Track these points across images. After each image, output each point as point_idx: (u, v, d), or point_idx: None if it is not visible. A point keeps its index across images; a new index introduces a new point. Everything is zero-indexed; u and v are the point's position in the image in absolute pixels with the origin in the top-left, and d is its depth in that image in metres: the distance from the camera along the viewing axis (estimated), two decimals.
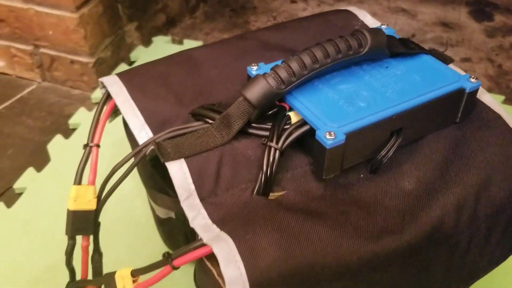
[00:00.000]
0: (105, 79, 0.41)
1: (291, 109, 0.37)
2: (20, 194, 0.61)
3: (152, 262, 0.53)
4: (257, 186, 0.34)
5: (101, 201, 0.39)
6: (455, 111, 0.38)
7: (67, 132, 0.69)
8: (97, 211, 0.40)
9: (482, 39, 0.94)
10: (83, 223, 0.39)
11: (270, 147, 0.34)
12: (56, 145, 0.67)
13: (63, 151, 0.66)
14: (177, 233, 0.49)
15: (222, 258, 0.29)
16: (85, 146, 0.39)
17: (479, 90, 0.41)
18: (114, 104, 0.41)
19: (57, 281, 0.44)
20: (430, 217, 0.33)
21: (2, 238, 0.56)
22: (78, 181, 0.39)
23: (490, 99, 0.41)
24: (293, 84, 0.35)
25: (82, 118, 0.71)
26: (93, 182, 0.39)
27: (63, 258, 0.43)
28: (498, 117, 0.39)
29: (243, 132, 0.36)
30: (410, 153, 0.37)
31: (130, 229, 0.57)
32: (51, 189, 0.61)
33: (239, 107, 0.35)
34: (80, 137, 0.68)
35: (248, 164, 0.35)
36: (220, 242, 0.29)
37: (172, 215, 0.48)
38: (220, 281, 0.31)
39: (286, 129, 0.35)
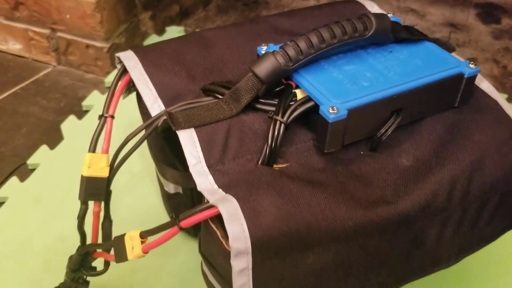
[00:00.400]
0: (121, 54, 0.43)
1: (297, 87, 0.38)
2: (33, 170, 0.64)
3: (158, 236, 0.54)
4: (262, 157, 0.36)
5: (113, 170, 0.41)
6: (454, 95, 0.40)
7: (80, 114, 0.72)
8: (109, 179, 0.41)
9: (488, 40, 0.95)
10: (96, 189, 0.41)
11: (276, 120, 0.36)
12: (70, 125, 0.69)
13: (76, 131, 0.68)
14: (183, 208, 0.51)
15: (226, 216, 0.30)
16: (100, 116, 0.42)
17: (478, 78, 0.43)
18: (129, 78, 0.43)
19: (67, 249, 0.46)
20: (424, 190, 0.34)
21: (15, 210, 0.58)
22: (92, 149, 0.41)
23: (489, 86, 0.42)
24: (300, 62, 0.37)
25: (95, 100, 0.73)
26: (106, 151, 0.41)
27: (73, 228, 0.45)
28: (495, 103, 0.41)
29: (251, 107, 0.38)
30: (409, 133, 0.39)
31: (138, 205, 0.59)
32: (63, 166, 0.63)
33: (248, 82, 0.37)
34: (93, 118, 0.70)
35: (255, 137, 0.37)
36: (225, 202, 0.31)
37: (180, 190, 0.50)
38: (224, 242, 0.33)
39: (292, 104, 0.37)
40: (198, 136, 0.36)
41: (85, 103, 0.73)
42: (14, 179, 0.62)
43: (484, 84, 0.43)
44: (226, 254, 0.32)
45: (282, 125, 0.36)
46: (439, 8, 1.05)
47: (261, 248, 0.30)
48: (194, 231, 0.53)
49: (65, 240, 0.55)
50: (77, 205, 0.42)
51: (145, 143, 0.50)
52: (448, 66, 0.40)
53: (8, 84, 0.77)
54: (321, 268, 0.32)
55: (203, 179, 0.35)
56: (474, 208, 0.37)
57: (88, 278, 0.47)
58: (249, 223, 0.30)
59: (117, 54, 0.44)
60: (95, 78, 0.79)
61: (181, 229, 0.34)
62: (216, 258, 0.36)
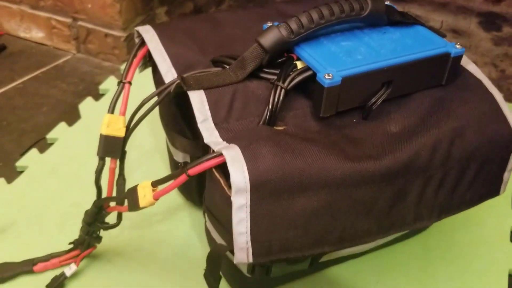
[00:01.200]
0: (140, 28, 0.48)
1: (298, 59, 0.43)
2: (51, 144, 0.68)
3: (166, 199, 0.59)
4: (263, 118, 0.40)
5: (129, 130, 0.46)
6: (441, 73, 0.44)
7: (97, 96, 0.76)
8: (125, 139, 0.46)
9: (489, 46, 0.99)
10: (112, 147, 0.45)
11: (277, 86, 0.40)
12: (87, 106, 0.74)
13: (93, 111, 0.73)
14: (190, 177, 0.54)
15: (229, 159, 0.34)
16: (119, 83, 0.46)
17: (465, 60, 0.47)
18: (146, 50, 0.47)
19: (81, 214, 0.50)
20: (408, 150, 0.38)
21: (34, 177, 0.63)
22: (111, 110, 0.45)
23: (474, 68, 0.46)
24: (301, 35, 0.41)
25: (111, 85, 0.78)
26: (123, 113, 0.45)
27: (87, 196, 0.49)
28: (479, 82, 0.45)
29: (255, 76, 0.42)
30: (398, 105, 0.43)
31: (148, 179, 0.63)
32: (80, 141, 0.68)
33: (254, 52, 0.41)
34: (109, 100, 0.74)
35: (257, 102, 0.41)
36: (228, 149, 0.35)
37: (188, 159, 0.54)
38: (226, 189, 0.37)
39: (292, 73, 0.41)
40: (206, 97, 0.40)
41: (102, 87, 0.78)
42: (34, 151, 0.66)
43: (471, 66, 0.47)
44: (228, 200, 0.36)
45: (283, 90, 0.40)
46: (442, 15, 1.09)
47: (258, 188, 0.34)
48: (199, 200, 0.57)
49: (80, 206, 0.59)
50: (91, 176, 0.46)
51: (157, 118, 0.54)
52: (436, 45, 0.44)
53: (31, 68, 0.82)
54: (311, 211, 0.36)
55: (210, 133, 0.39)
56: (454, 172, 0.40)
57: (101, 234, 0.51)
58: (249, 166, 0.34)
59: (136, 28, 0.48)
60: (112, 66, 0.84)
61: (188, 176, 0.38)
62: (218, 206, 0.40)
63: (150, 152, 0.66)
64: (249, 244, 0.35)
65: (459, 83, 0.45)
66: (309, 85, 0.41)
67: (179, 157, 0.54)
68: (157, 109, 0.54)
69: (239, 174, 0.34)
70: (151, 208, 0.59)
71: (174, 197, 0.61)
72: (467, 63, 0.47)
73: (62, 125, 0.70)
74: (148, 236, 0.56)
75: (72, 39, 0.85)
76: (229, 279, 0.50)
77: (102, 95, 0.77)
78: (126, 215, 0.50)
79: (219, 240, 0.44)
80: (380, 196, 0.38)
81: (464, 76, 0.45)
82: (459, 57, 0.44)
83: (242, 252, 0.36)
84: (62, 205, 0.59)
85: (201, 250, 0.55)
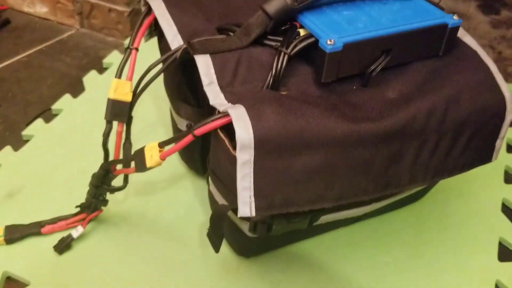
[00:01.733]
0: None
1: (301, 27, 0.44)
2: (56, 114, 0.69)
3: (169, 168, 0.61)
4: (267, 83, 0.42)
5: (135, 96, 0.47)
6: (438, 43, 0.45)
7: (101, 70, 0.78)
8: (131, 104, 0.47)
9: (487, 29, 1.01)
10: (119, 111, 0.47)
11: (280, 51, 0.42)
12: (91, 79, 0.75)
13: (97, 83, 0.74)
14: (194, 146, 0.56)
15: (235, 117, 0.36)
16: (126, 49, 0.47)
17: (462, 33, 0.48)
18: (153, 18, 0.49)
19: (87, 181, 0.51)
20: (405, 114, 0.40)
21: (40, 146, 0.64)
22: (118, 75, 0.47)
23: (471, 40, 0.48)
24: (305, 2, 0.43)
25: (115, 59, 0.79)
26: (130, 79, 0.47)
27: (93, 164, 0.51)
28: (475, 53, 0.46)
29: (259, 43, 0.44)
30: (397, 74, 0.44)
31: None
32: (85, 112, 0.69)
33: (258, 18, 0.43)
34: (113, 73, 0.75)
35: (261, 67, 0.43)
36: (234, 108, 0.37)
37: None
38: (230, 149, 0.39)
39: (295, 39, 0.43)
40: (212, 61, 0.42)
41: (105, 61, 0.79)
42: (39, 121, 0.68)
43: (467, 38, 0.48)
44: (232, 159, 0.38)
45: (286, 56, 0.42)
46: None
47: (261, 145, 0.36)
48: (202, 169, 0.59)
49: (86, 173, 0.60)
50: (97, 145, 0.48)
51: (160, 92, 0.56)
52: (434, 16, 0.45)
53: (35, 42, 0.83)
54: (311, 168, 0.37)
55: (215, 96, 0.40)
56: (449, 137, 0.42)
57: (108, 197, 0.53)
58: (253, 123, 0.36)
59: None
60: (115, 41, 0.85)
61: (195, 136, 0.40)
62: (223, 167, 0.41)
63: (153, 125, 0.68)
64: (252, 198, 0.37)
65: (456, 53, 0.46)
66: (311, 52, 0.43)
67: (183, 125, 0.55)
68: (161, 80, 0.55)
69: (244, 131, 0.36)
70: (155, 176, 0.61)
71: (178, 166, 0.63)
72: (464, 35, 0.48)
73: (67, 96, 0.72)
74: (152, 202, 0.58)
75: (75, 14, 0.86)
76: (230, 242, 0.52)
77: (106, 68, 0.78)
78: (131, 182, 0.52)
79: (221, 202, 0.46)
80: (377, 157, 0.39)
81: (461, 47, 0.47)
82: (456, 28, 0.45)
83: (246, 206, 0.37)
84: (69, 172, 0.61)
85: (204, 215, 0.57)
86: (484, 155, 0.46)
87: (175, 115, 0.56)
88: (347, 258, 0.53)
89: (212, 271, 0.51)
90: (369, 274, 0.52)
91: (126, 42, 0.83)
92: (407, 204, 0.58)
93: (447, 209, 0.59)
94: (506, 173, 0.64)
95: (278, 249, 0.53)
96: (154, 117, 0.69)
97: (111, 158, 0.49)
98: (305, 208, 0.39)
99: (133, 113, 0.48)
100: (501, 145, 0.46)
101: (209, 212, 0.56)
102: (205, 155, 0.55)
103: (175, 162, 0.63)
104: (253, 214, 0.38)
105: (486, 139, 0.45)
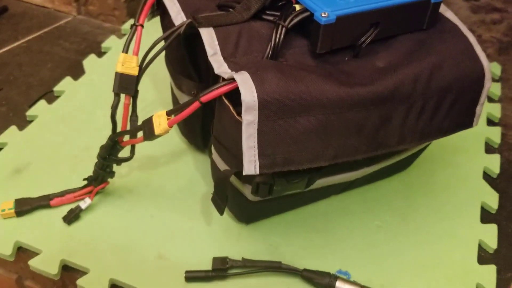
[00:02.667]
0: None
1: (296, 3, 0.47)
2: (58, 96, 0.72)
3: (170, 144, 0.64)
4: (267, 54, 0.45)
5: (141, 70, 0.50)
6: (422, 17, 0.49)
7: (100, 54, 0.80)
8: (138, 77, 0.50)
9: (467, 14, 1.05)
10: (127, 84, 0.49)
11: (278, 24, 0.45)
12: (91, 62, 0.78)
13: (97, 67, 0.77)
14: (195, 122, 0.59)
15: (240, 81, 0.39)
16: (132, 25, 0.50)
17: (444, 8, 0.52)
18: None
19: (92, 157, 0.54)
20: (393, 79, 0.44)
21: (44, 125, 0.67)
22: (125, 50, 0.49)
23: (451, 15, 0.52)
24: None
25: (113, 43, 0.82)
26: (136, 53, 0.50)
27: (97, 141, 0.54)
28: (455, 26, 0.50)
29: (258, 18, 0.47)
30: (385, 46, 0.48)
31: None
32: (86, 93, 0.72)
33: None
34: (112, 57, 0.78)
35: (261, 39, 0.46)
36: (238, 74, 0.40)
37: None
38: (235, 114, 0.42)
39: (292, 14, 0.46)
40: (216, 34, 0.45)
41: (104, 45, 0.81)
42: (42, 102, 0.70)
43: (448, 13, 0.52)
44: (237, 123, 0.41)
45: (284, 28, 0.45)
46: None
47: (265, 107, 0.39)
48: (203, 144, 0.62)
49: (90, 149, 0.63)
50: (100, 124, 0.51)
51: (159, 74, 0.58)
52: None
53: (33, 29, 0.85)
54: (310, 129, 0.41)
55: (219, 65, 0.44)
56: (433, 102, 0.46)
57: (114, 169, 0.56)
58: (257, 87, 0.39)
59: None
60: (112, 27, 0.87)
61: (201, 103, 0.43)
62: (227, 131, 0.45)
63: (153, 104, 0.71)
64: (257, 157, 0.41)
65: (438, 26, 0.50)
66: (307, 26, 0.46)
67: (185, 100, 0.58)
68: (160, 62, 0.58)
69: (249, 94, 0.39)
70: (157, 152, 0.64)
71: (179, 143, 0.66)
72: (445, 11, 0.52)
73: (68, 79, 0.74)
74: (155, 176, 0.61)
75: (72, 1, 0.88)
76: (232, 208, 0.56)
77: (105, 52, 0.81)
78: (135, 158, 0.55)
79: (224, 168, 0.49)
80: (369, 119, 0.43)
81: (443, 21, 0.51)
82: (438, 4, 0.49)
83: (251, 164, 0.41)
84: (74, 149, 0.64)
85: (205, 187, 0.60)
86: (466, 120, 0.50)
87: (176, 91, 0.59)
88: (340, 223, 0.57)
89: (215, 237, 0.55)
90: (361, 236, 0.55)
91: (123, 27, 0.86)
92: (395, 173, 0.62)
93: (432, 177, 0.63)
94: (487, 144, 0.69)
95: (276, 216, 0.57)
96: (154, 97, 0.72)
97: (118, 129, 0.51)
98: (305, 166, 0.42)
99: None
100: (481, 111, 0.50)
101: (210, 184, 0.59)
102: (206, 130, 0.58)
103: (176, 138, 0.66)
104: (257, 171, 0.41)
105: (468, 104, 0.48)
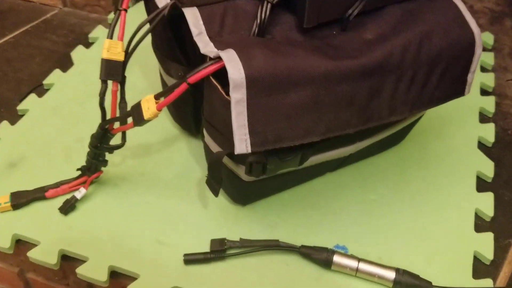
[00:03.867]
0: None
1: None
2: (48, 89, 0.71)
3: (163, 131, 0.64)
4: (253, 31, 0.45)
5: (128, 55, 0.50)
6: None
7: (88, 45, 0.79)
8: (124, 63, 0.50)
9: None
10: (113, 71, 0.49)
11: (264, 0, 0.45)
12: (79, 53, 0.77)
13: (85, 57, 0.76)
14: (186, 106, 0.59)
15: (226, 59, 0.39)
16: (116, 10, 0.50)
17: None
18: None
19: (85, 147, 0.54)
20: (382, 50, 0.43)
21: (36, 119, 0.66)
22: (110, 36, 0.49)
23: None
24: None
25: (100, 33, 0.81)
26: (121, 38, 0.49)
27: (89, 131, 0.53)
28: None
29: None
30: (373, 18, 0.48)
31: None
32: (76, 84, 0.71)
33: None
34: (99, 47, 0.78)
35: (247, 17, 0.46)
36: (224, 52, 0.40)
37: None
38: (223, 92, 0.42)
39: None
40: (200, 13, 0.45)
41: (91, 36, 0.81)
42: (32, 96, 0.70)
43: None
44: (226, 103, 0.41)
45: (269, 4, 0.45)
46: None
47: (253, 84, 0.39)
48: (195, 128, 0.62)
49: (83, 140, 0.63)
50: (92, 115, 0.50)
51: (148, 61, 0.58)
52: None
53: (20, 24, 0.85)
54: (300, 104, 0.41)
55: (205, 45, 0.43)
56: (423, 71, 0.46)
57: (107, 157, 0.56)
58: (244, 64, 0.39)
59: None
60: (99, 17, 0.87)
61: (189, 84, 0.43)
62: (217, 113, 0.44)
63: (143, 91, 0.70)
64: (248, 135, 0.40)
65: None
66: (293, 1, 0.46)
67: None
68: (149, 49, 0.58)
69: (236, 71, 0.39)
70: (150, 139, 0.64)
71: (171, 129, 0.65)
72: None
73: (57, 71, 0.74)
74: (149, 163, 0.61)
75: None
76: (227, 190, 0.56)
77: (92, 43, 0.80)
78: (127, 146, 0.54)
79: (217, 148, 0.49)
80: (359, 91, 0.43)
81: None
82: None
83: (242, 143, 0.41)
84: (66, 140, 0.63)
85: (200, 172, 0.60)
86: (458, 89, 0.49)
87: (165, 76, 0.58)
88: (336, 198, 0.57)
89: (212, 220, 0.55)
90: (358, 210, 0.55)
91: (110, 17, 0.85)
92: (389, 147, 0.62)
93: (427, 149, 0.63)
94: (481, 114, 0.68)
95: (272, 196, 0.57)
96: (144, 84, 0.72)
97: (108, 117, 0.51)
98: (296, 143, 0.42)
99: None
100: (472, 78, 0.50)
101: (205, 169, 0.59)
102: (198, 115, 0.58)
103: (168, 124, 0.66)
104: (249, 150, 0.41)
105: (459, 72, 0.48)
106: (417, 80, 0.46)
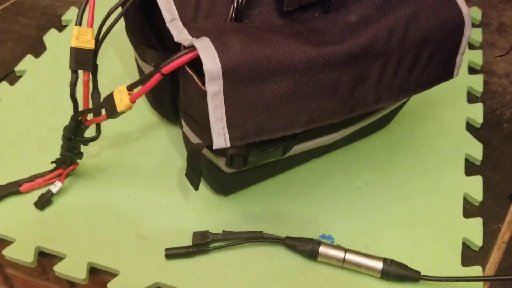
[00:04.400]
0: None
1: None
2: (20, 76, 0.68)
3: (141, 118, 0.61)
4: (230, 15, 0.42)
5: (98, 42, 0.47)
6: None
7: (61, 28, 0.76)
8: (95, 51, 0.47)
9: None
10: (84, 60, 0.46)
11: None
12: (52, 37, 0.73)
13: (58, 42, 0.73)
14: (163, 93, 0.56)
15: (200, 48, 0.37)
16: None
17: None
18: None
19: (60, 138, 0.51)
20: (367, 34, 0.41)
21: (8, 108, 0.63)
22: (79, 22, 0.46)
23: None
24: None
25: (74, 15, 0.77)
26: (91, 25, 0.46)
27: (63, 121, 0.50)
28: None
29: None
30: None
31: None
32: (49, 71, 0.68)
33: None
34: None
35: (223, 0, 0.43)
36: (199, 40, 0.37)
37: None
38: (199, 83, 0.39)
39: None
40: None
41: (64, 18, 0.77)
42: (4, 84, 0.66)
43: None
44: (202, 93, 0.39)
45: None
46: None
47: (230, 75, 0.37)
48: (174, 116, 0.59)
49: (57, 130, 0.60)
50: (66, 103, 0.47)
51: (125, 45, 0.55)
52: None
53: None
54: (281, 95, 0.38)
55: (179, 32, 0.40)
56: (410, 55, 0.44)
57: (82, 149, 0.53)
58: (219, 53, 0.36)
59: None
60: None
61: (163, 75, 0.40)
62: (194, 103, 0.42)
63: (120, 78, 0.68)
64: (226, 129, 0.38)
65: None
66: None
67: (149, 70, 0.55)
68: (124, 32, 0.55)
69: (211, 62, 0.36)
70: (128, 127, 0.61)
71: (150, 117, 0.63)
72: None
73: (29, 57, 0.70)
74: (127, 153, 0.58)
75: None
76: (208, 181, 0.54)
77: (65, 26, 0.76)
78: (104, 135, 0.52)
79: (196, 141, 0.47)
80: (343, 79, 0.41)
81: None
82: None
83: (220, 137, 0.38)
84: (40, 131, 0.61)
85: (181, 161, 0.58)
86: (446, 71, 0.47)
87: (141, 62, 0.55)
88: (321, 186, 0.55)
89: (194, 211, 0.53)
90: (343, 199, 0.54)
91: None
92: (375, 131, 0.60)
93: (413, 132, 0.61)
94: (469, 93, 0.67)
95: (255, 185, 0.55)
96: (120, 69, 0.69)
97: (81, 109, 0.49)
98: (278, 135, 0.40)
99: (98, 69, 0.48)
100: (461, 60, 0.48)
101: (185, 157, 0.57)
102: (176, 101, 0.55)
103: (147, 112, 0.63)
104: (228, 145, 0.39)
105: (447, 55, 0.46)
106: (404, 65, 0.43)
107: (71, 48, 0.46)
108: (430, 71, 0.46)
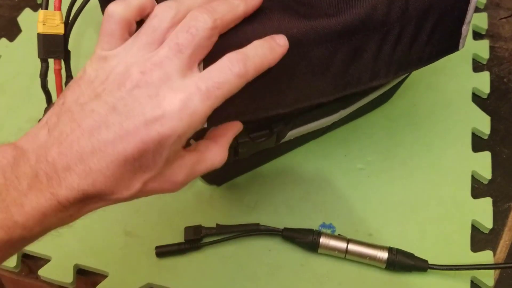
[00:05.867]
0: None
1: None
2: None
3: None
4: None
5: (68, 27, 0.42)
6: None
7: (36, 7, 0.71)
8: (65, 36, 0.43)
9: None
10: (54, 47, 0.42)
11: None
12: (26, 18, 0.69)
13: (33, 23, 0.67)
14: None
15: None
16: None
17: None
18: None
19: None
20: (364, 5, 0.36)
21: None
22: (45, 6, 0.42)
23: None
24: None
25: None
26: (59, 8, 0.42)
27: (42, 109, 0.47)
28: None
29: None
30: None
31: None
32: (24, 55, 0.64)
33: None
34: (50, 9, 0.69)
35: None
36: None
37: None
38: None
39: None
40: None
41: None
42: None
43: None
44: None
45: None
46: None
47: None
48: None
49: (36, 120, 0.56)
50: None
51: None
52: None
53: None
54: (266, 73, 0.34)
55: None
56: (412, 26, 0.39)
57: None
58: None
59: None
60: None
61: None
62: None
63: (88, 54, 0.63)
64: None
65: None
66: None
67: None
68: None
69: None
70: None
71: None
72: None
73: (3, 41, 0.66)
74: None
75: None
76: None
77: (41, 4, 0.71)
78: None
79: None
80: (337, 55, 0.36)
81: None
82: None
83: None
84: (17, 121, 0.57)
85: None
86: (451, 43, 0.43)
87: None
88: (320, 170, 0.52)
89: (185, 204, 0.50)
90: (344, 183, 0.51)
91: None
92: (376, 107, 0.56)
93: (416, 106, 0.57)
94: (474, 61, 0.62)
95: (249, 173, 0.52)
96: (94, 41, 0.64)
97: (54, 99, 0.45)
98: (260, 116, 0.36)
99: (76, 49, 0.43)
100: (467, 31, 0.43)
101: None
102: None
103: None
104: (205, 125, 0.35)
105: (452, 25, 0.42)
106: (405, 38, 0.39)
107: (39, 35, 0.42)
108: (434, 43, 0.41)
